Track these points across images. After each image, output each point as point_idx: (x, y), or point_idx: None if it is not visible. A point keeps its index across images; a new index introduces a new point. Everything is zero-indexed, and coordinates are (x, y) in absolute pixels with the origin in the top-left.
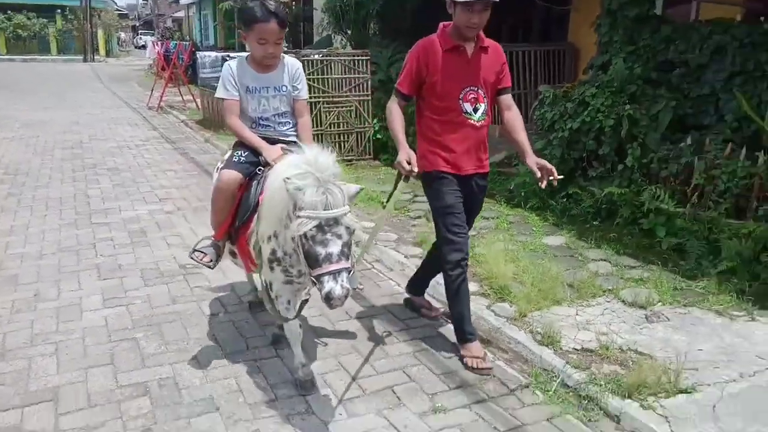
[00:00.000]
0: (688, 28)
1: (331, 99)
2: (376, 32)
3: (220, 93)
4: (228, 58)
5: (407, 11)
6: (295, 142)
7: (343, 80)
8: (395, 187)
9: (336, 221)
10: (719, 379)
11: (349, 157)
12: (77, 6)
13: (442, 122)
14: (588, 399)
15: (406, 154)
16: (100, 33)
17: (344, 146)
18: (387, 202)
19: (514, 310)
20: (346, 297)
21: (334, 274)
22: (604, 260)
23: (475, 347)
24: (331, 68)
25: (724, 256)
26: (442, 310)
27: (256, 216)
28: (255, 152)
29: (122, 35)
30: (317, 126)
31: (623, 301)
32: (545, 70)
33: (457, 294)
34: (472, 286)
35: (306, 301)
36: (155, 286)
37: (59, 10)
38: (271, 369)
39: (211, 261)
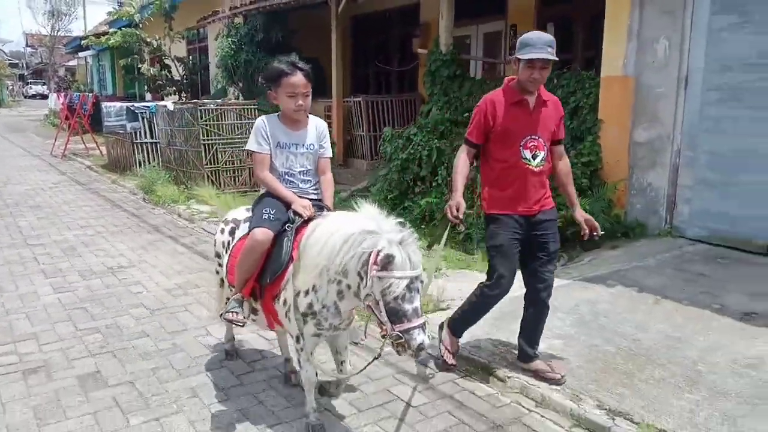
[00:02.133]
0: (482, 82)
1: (226, 141)
2: (263, 84)
3: (251, 146)
4: (133, 108)
5: None
6: (316, 199)
7: (236, 125)
8: (445, 230)
9: (417, 278)
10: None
11: (243, 189)
12: None
13: (504, 168)
14: None
15: (455, 202)
16: None
17: (238, 180)
18: (438, 243)
19: None
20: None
21: (422, 327)
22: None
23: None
24: (225, 115)
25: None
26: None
27: (289, 271)
28: (283, 207)
29: (10, 84)
30: (214, 164)
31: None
32: (402, 113)
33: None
34: None
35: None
36: (91, 280)
37: None
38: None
39: (245, 317)
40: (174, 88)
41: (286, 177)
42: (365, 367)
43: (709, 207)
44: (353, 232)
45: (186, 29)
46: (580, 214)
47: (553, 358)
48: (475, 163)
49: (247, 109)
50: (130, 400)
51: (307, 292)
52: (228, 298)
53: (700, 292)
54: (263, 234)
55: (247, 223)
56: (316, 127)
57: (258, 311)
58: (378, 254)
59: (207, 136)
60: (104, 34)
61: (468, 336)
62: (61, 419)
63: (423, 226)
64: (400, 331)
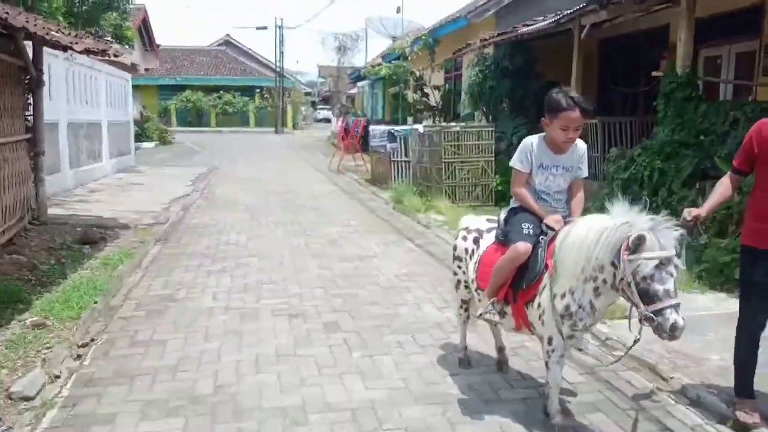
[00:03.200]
0: (719, 105)
1: (464, 160)
2: (506, 109)
3: (515, 163)
4: (393, 131)
5: (531, 92)
6: (564, 216)
7: (473, 146)
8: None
9: (669, 260)
10: None
11: (476, 204)
12: (272, 86)
13: (759, 196)
14: None
15: (697, 210)
16: (288, 109)
17: (472, 195)
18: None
19: None
20: (683, 329)
21: (675, 307)
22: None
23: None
24: (465, 137)
25: (705, 260)
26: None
27: (545, 277)
28: (537, 222)
29: (303, 110)
30: (452, 179)
31: None
32: (640, 135)
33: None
34: None
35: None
36: (345, 263)
37: (258, 90)
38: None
39: (501, 318)
40: (430, 113)
41: (542, 195)
42: (625, 354)
43: None
44: (607, 226)
45: (445, 60)
46: None
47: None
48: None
49: (485, 132)
50: (355, 343)
51: (563, 295)
52: (463, 300)
53: None
54: (525, 247)
55: (491, 233)
56: (578, 151)
57: (506, 314)
58: (629, 240)
59: (448, 155)
60: (378, 65)
61: None
62: (311, 346)
63: None
64: (652, 312)
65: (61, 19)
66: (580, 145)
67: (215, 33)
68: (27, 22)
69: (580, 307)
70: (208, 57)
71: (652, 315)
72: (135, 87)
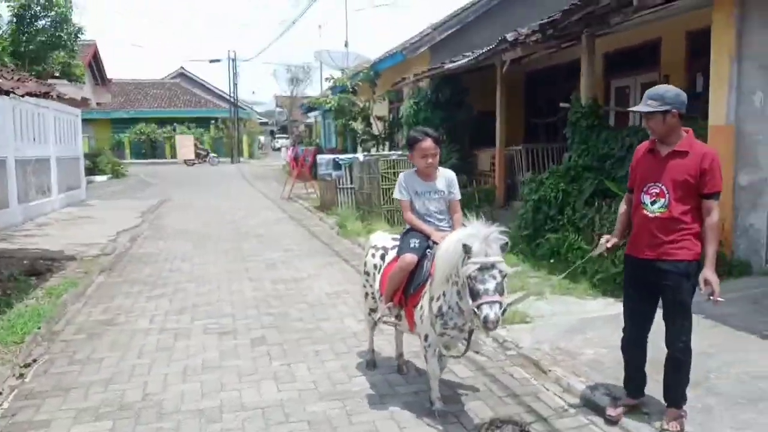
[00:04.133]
0: (617, 132)
1: None
2: (442, 137)
3: (396, 195)
4: (337, 159)
5: (461, 122)
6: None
7: None
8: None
9: (492, 266)
10: (547, 319)
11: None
12: (227, 117)
13: (633, 211)
14: None
15: (610, 236)
16: (244, 138)
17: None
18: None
19: None
20: (497, 323)
21: (490, 303)
22: (537, 277)
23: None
24: (400, 164)
25: (601, 270)
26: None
27: (428, 284)
28: (425, 238)
29: (261, 139)
30: (390, 204)
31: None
32: (559, 160)
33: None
34: None
35: (459, 355)
36: (279, 284)
37: (213, 121)
38: None
39: (395, 321)
40: (374, 142)
41: (426, 217)
42: (470, 344)
43: None
44: (459, 238)
45: (385, 92)
46: (703, 274)
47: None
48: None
49: None
50: (277, 353)
51: (438, 298)
52: (371, 309)
53: (761, 321)
54: (411, 258)
55: (395, 250)
56: (446, 177)
57: (402, 317)
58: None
59: (385, 181)
60: (325, 97)
61: None
62: (236, 359)
63: (551, 260)
64: (475, 306)
65: (6, 60)
66: (449, 173)
67: (170, 66)
68: None
69: (449, 308)
70: (162, 89)
71: (474, 309)
72: (88, 121)
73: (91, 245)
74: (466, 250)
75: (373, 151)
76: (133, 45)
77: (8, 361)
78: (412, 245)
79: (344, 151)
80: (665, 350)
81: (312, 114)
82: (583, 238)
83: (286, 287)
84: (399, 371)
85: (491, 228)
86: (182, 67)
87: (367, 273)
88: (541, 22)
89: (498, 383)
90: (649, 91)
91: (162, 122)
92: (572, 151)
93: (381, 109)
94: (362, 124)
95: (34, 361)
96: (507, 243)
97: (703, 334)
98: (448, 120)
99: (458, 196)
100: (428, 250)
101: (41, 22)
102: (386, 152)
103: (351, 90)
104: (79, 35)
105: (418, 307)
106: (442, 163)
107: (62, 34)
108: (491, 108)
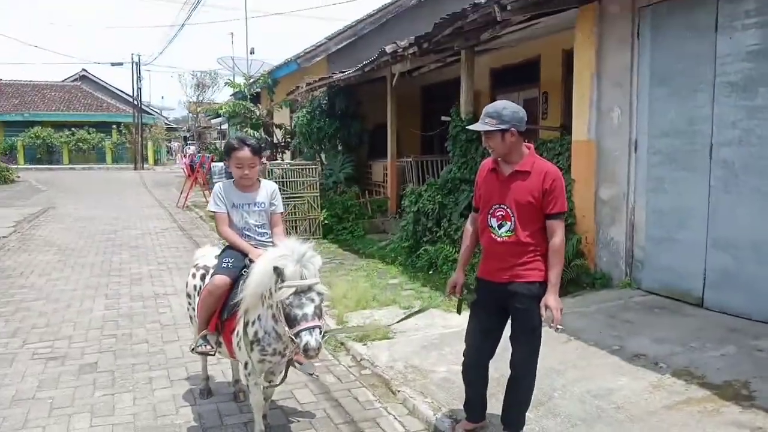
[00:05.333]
0: None
1: (289, 195)
2: (334, 146)
3: (211, 207)
4: (226, 167)
5: (355, 133)
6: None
7: (299, 182)
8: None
9: (310, 288)
10: (410, 334)
11: (303, 237)
12: (130, 122)
13: (480, 232)
14: (341, 343)
15: (454, 278)
16: (149, 145)
17: (299, 229)
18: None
19: (336, 312)
20: (319, 349)
21: (310, 329)
22: (411, 289)
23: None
24: (291, 174)
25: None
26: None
27: (241, 308)
28: (241, 256)
29: (174, 145)
30: None
31: (400, 306)
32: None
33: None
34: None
35: (278, 383)
36: (136, 302)
37: (115, 126)
38: None
39: (212, 348)
40: (272, 150)
41: (244, 231)
42: (284, 376)
43: (658, 261)
44: (271, 257)
45: (282, 100)
46: (545, 299)
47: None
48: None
49: (309, 169)
50: (103, 381)
51: (253, 323)
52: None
53: (612, 335)
54: (221, 280)
55: None
56: (267, 189)
57: (222, 343)
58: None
59: None
60: (224, 103)
61: None
62: (55, 388)
63: (430, 272)
64: (293, 334)
65: None
66: (270, 185)
67: (72, 68)
68: None
69: (266, 333)
70: (61, 92)
71: (292, 336)
72: None
73: None
74: (278, 273)
75: (272, 159)
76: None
77: None
78: (224, 264)
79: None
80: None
81: (215, 120)
82: (457, 250)
83: (143, 305)
84: (235, 399)
85: (305, 246)
86: (84, 70)
87: (188, 295)
88: (417, 35)
89: (339, 408)
90: (486, 108)
91: (60, 126)
92: (453, 164)
93: (282, 117)
94: (258, 132)
95: None
96: (321, 263)
97: (556, 349)
98: (343, 130)
99: (280, 209)
100: (245, 269)
101: None
102: (281, 161)
103: (249, 97)
104: None
105: (235, 332)
106: (336, 173)
107: None
108: (386, 119)
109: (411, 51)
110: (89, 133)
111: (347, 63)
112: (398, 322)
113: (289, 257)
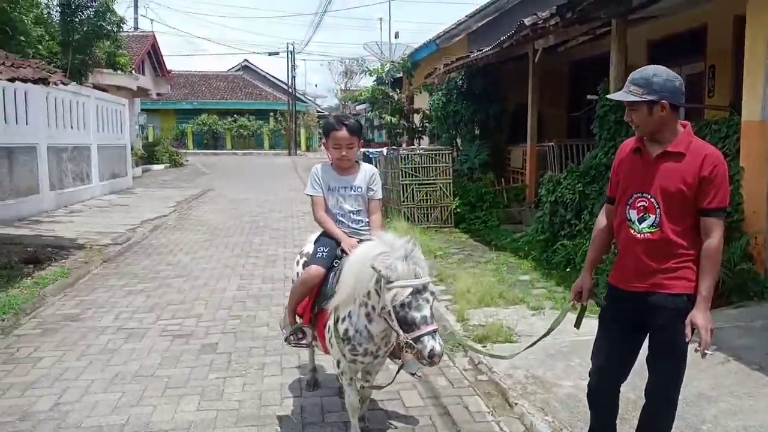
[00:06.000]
0: None
1: (421, 182)
2: (470, 130)
3: (307, 190)
4: (368, 153)
5: (491, 117)
6: (367, 238)
7: (431, 168)
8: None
9: (425, 288)
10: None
11: (435, 225)
12: (285, 110)
13: (616, 228)
14: (458, 344)
15: (579, 282)
16: (302, 132)
17: (430, 217)
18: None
19: (457, 307)
20: (442, 354)
21: (432, 333)
22: (543, 287)
23: None
24: (423, 159)
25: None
26: None
27: (331, 304)
28: (335, 245)
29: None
30: (410, 201)
31: (529, 306)
32: None
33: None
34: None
35: (380, 385)
36: (266, 284)
37: (272, 113)
38: None
39: (307, 342)
40: (409, 135)
41: (339, 217)
42: (393, 380)
43: None
44: (368, 255)
45: (421, 84)
46: (691, 316)
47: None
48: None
49: (443, 154)
50: (219, 364)
51: (344, 319)
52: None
53: None
54: (315, 270)
55: None
56: (365, 172)
57: (316, 337)
58: (385, 268)
59: (406, 177)
60: (363, 90)
61: None
62: (174, 367)
63: (567, 269)
64: (411, 339)
65: (41, 47)
66: (369, 168)
67: (235, 59)
68: None
69: (357, 331)
70: (224, 82)
71: (412, 342)
72: (154, 111)
73: (106, 234)
74: (391, 270)
75: (410, 145)
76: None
77: None
78: (318, 254)
79: (384, 146)
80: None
81: (360, 107)
82: None
83: (272, 287)
84: (340, 393)
85: (404, 240)
86: (246, 60)
87: (293, 282)
88: (559, 4)
89: (446, 417)
90: (632, 75)
91: (223, 114)
92: (598, 148)
93: (422, 101)
94: (395, 117)
95: None
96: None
97: (709, 371)
98: (480, 113)
99: (379, 195)
100: (336, 260)
101: (85, 13)
102: (414, 146)
103: (390, 82)
104: (121, 25)
105: (327, 327)
106: (471, 159)
107: (104, 24)
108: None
109: (553, 23)
110: (249, 120)
111: (489, 42)
112: (528, 348)
113: (394, 255)
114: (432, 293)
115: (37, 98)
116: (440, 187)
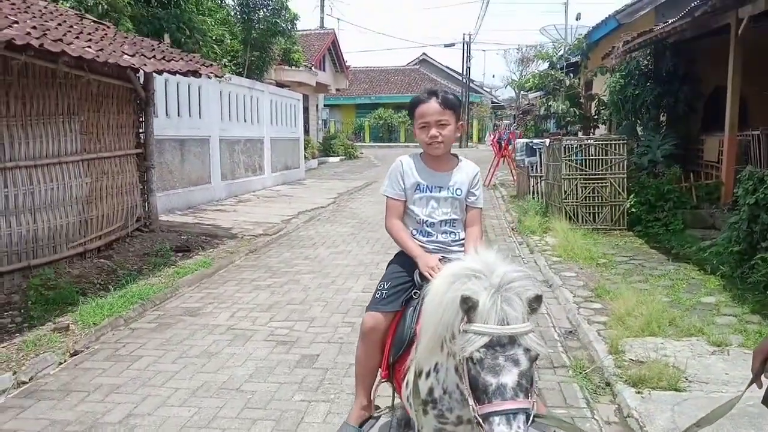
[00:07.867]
0: None
1: (587, 176)
2: (654, 117)
3: (384, 190)
4: (531, 144)
5: (681, 101)
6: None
7: (600, 161)
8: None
9: (513, 340)
10: (711, 388)
11: (603, 227)
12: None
13: None
14: (606, 384)
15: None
16: (474, 123)
17: (598, 217)
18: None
19: (610, 334)
20: None
21: (508, 415)
22: (733, 315)
23: None
24: (590, 151)
25: None
26: None
27: (413, 348)
28: (405, 276)
29: (503, 123)
30: (573, 198)
31: (709, 340)
32: None
33: None
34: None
35: None
36: None
37: None
38: None
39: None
40: (580, 125)
41: (425, 227)
42: None
43: None
44: (456, 278)
45: (597, 67)
46: None
47: None
48: None
49: (616, 145)
50: (310, 382)
51: (428, 373)
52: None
53: None
54: (372, 319)
55: None
56: (467, 171)
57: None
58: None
59: (569, 170)
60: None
61: None
62: (263, 381)
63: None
64: (481, 415)
65: (215, 47)
66: (472, 167)
67: (414, 52)
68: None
69: (445, 392)
70: (401, 76)
71: (478, 418)
72: (335, 106)
73: (261, 224)
74: (467, 305)
75: (585, 134)
76: (381, 34)
77: (62, 346)
78: (378, 294)
79: (570, 135)
80: None
81: (533, 95)
82: None
83: None
84: None
85: (506, 262)
86: (424, 54)
87: None
88: None
89: None
90: None
91: (399, 107)
92: None
93: (600, 86)
94: (566, 104)
95: (87, 348)
96: (538, 296)
97: None
98: (667, 96)
99: (480, 203)
100: (414, 291)
101: (262, 11)
102: (586, 136)
103: (562, 66)
104: (294, 22)
105: (404, 382)
106: (653, 151)
107: (279, 21)
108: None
109: None
110: (395, 113)
111: (679, 14)
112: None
113: (481, 280)
114: (527, 350)
115: (211, 93)
116: (612, 183)
